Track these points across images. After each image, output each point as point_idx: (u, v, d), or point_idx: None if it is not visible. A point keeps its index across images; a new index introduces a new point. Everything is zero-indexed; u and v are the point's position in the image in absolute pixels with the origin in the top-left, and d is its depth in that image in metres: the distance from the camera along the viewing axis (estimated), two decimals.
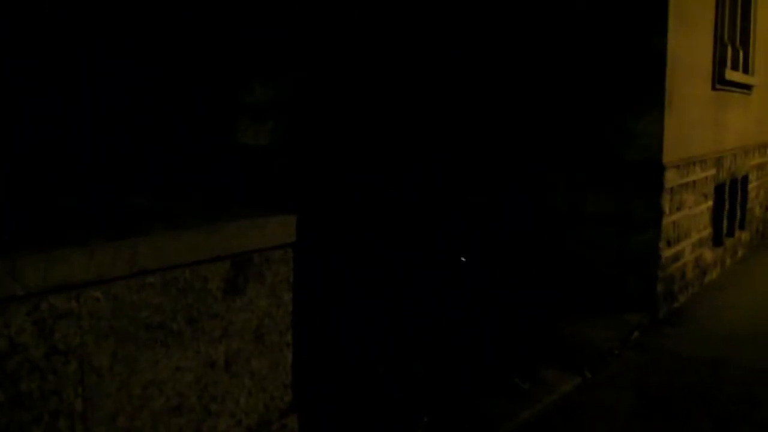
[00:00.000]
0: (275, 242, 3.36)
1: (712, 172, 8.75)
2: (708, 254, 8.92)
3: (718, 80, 8.71)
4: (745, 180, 10.42)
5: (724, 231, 9.61)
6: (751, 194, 10.75)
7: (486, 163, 6.92)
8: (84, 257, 2.93)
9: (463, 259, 4.44)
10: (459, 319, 5.36)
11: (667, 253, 7.50)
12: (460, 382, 4.78)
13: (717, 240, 9.34)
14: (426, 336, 4.92)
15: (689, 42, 7.79)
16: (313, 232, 3.80)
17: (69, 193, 3.54)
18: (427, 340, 4.88)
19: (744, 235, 10.45)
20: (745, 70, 9.75)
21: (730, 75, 8.92)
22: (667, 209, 7.39)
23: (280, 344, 3.50)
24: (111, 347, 3.02)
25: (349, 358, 4.27)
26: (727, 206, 9.63)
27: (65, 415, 2.93)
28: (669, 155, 7.36)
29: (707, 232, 8.82)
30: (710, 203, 8.83)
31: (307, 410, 3.68)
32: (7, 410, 2.77)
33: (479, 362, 5.06)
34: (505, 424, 4.71)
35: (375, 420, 4.04)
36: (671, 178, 7.44)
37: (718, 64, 8.66)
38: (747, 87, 9.91)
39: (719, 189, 9.23)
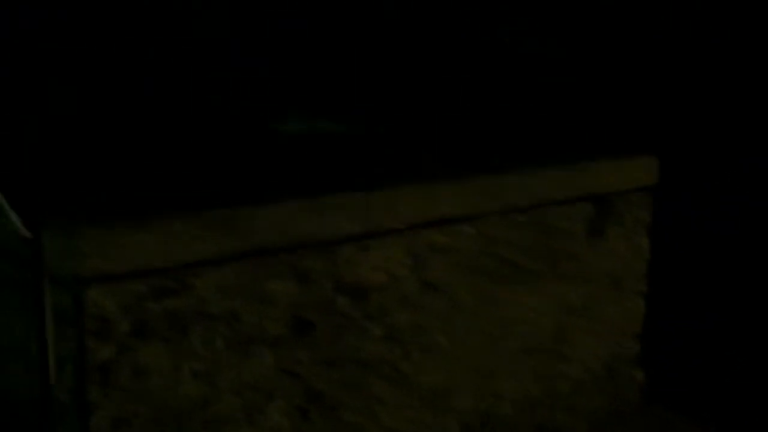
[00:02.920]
0: (636, 185, 3.29)
1: None
2: None
3: None
4: None
5: None
6: None
7: None
8: (458, 192, 3.09)
9: None
10: None
11: None
12: None
13: None
14: None
15: None
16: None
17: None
18: None
19: None
20: None
21: None
22: None
23: (634, 292, 3.35)
24: (477, 285, 3.11)
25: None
26: None
27: (431, 352, 3.05)
28: None
29: None
30: None
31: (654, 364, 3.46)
32: (380, 344, 2.94)
33: None
34: None
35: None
36: None
37: None
38: None
39: None
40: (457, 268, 3.06)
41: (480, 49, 3.98)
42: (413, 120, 3.95)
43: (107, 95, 3.53)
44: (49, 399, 2.17)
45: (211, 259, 2.52)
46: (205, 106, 3.80)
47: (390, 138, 3.69)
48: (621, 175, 3.28)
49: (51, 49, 3.32)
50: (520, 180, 3.16)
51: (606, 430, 3.38)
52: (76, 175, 2.96)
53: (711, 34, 3.57)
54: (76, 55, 3.41)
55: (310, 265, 2.73)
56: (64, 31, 3.36)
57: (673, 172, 3.45)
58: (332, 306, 2.78)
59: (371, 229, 2.83)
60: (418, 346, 3.00)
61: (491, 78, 3.91)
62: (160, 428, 2.48)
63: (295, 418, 2.77)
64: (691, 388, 3.60)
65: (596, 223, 3.28)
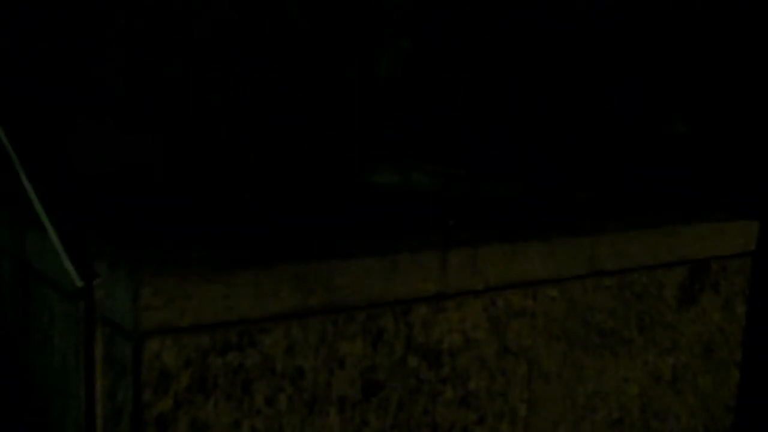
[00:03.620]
0: (734, 250, 3.14)
1: None
2: None
3: None
4: None
5: None
6: None
7: None
8: (543, 253, 2.97)
9: None
10: None
11: None
12: None
13: None
14: None
15: None
16: None
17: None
18: None
19: None
20: None
21: None
22: None
23: (728, 361, 3.19)
24: (560, 351, 2.99)
25: None
26: None
27: (508, 419, 2.95)
28: None
29: None
30: None
31: None
32: (454, 408, 2.83)
33: None
34: None
35: None
36: None
37: None
38: None
39: None
40: (539, 333, 2.93)
41: (571, 99, 3.88)
42: (496, 172, 3.85)
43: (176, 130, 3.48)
44: None
45: (279, 315, 2.42)
46: (286, 151, 3.74)
47: (470, 191, 3.59)
48: (718, 240, 3.13)
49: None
50: (609, 242, 3.03)
51: None
52: (139, 219, 2.90)
53: None
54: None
55: (382, 324, 2.62)
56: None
57: None
58: (404, 367, 2.67)
59: (448, 289, 2.73)
60: (493, 412, 2.88)
61: (584, 130, 3.80)
62: None
63: None
64: None
65: (689, 289, 3.13)
